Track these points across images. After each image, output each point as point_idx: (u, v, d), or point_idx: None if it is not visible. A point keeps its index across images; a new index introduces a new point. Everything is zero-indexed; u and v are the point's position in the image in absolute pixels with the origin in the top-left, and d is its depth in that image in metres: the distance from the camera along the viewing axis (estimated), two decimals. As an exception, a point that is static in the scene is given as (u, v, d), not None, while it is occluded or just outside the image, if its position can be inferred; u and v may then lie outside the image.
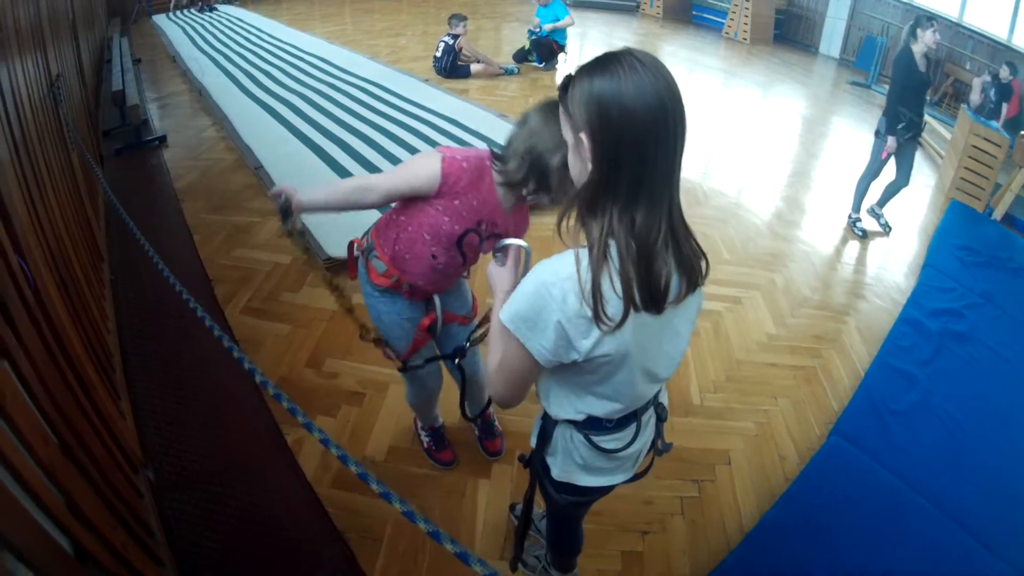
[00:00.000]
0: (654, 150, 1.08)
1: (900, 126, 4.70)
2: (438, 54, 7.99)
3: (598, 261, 1.10)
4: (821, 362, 3.61)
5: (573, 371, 1.26)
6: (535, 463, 1.53)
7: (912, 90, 4.67)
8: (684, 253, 1.18)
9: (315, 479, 2.44)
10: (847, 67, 12.20)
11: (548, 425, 1.44)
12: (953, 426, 3.22)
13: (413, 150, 5.32)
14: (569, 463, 1.45)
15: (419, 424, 2.58)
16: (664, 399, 1.53)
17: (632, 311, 1.13)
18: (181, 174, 4.97)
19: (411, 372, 2.16)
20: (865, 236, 5.17)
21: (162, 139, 5.63)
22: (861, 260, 4.93)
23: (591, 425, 1.38)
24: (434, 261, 1.85)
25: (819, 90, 10.55)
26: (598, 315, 1.11)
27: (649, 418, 1.48)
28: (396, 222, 1.85)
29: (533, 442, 1.51)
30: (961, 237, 5.25)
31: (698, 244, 1.22)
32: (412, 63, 8.69)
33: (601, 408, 1.35)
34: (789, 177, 6.41)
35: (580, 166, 1.17)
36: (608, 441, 1.41)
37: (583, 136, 1.11)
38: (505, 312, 1.20)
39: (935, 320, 4.08)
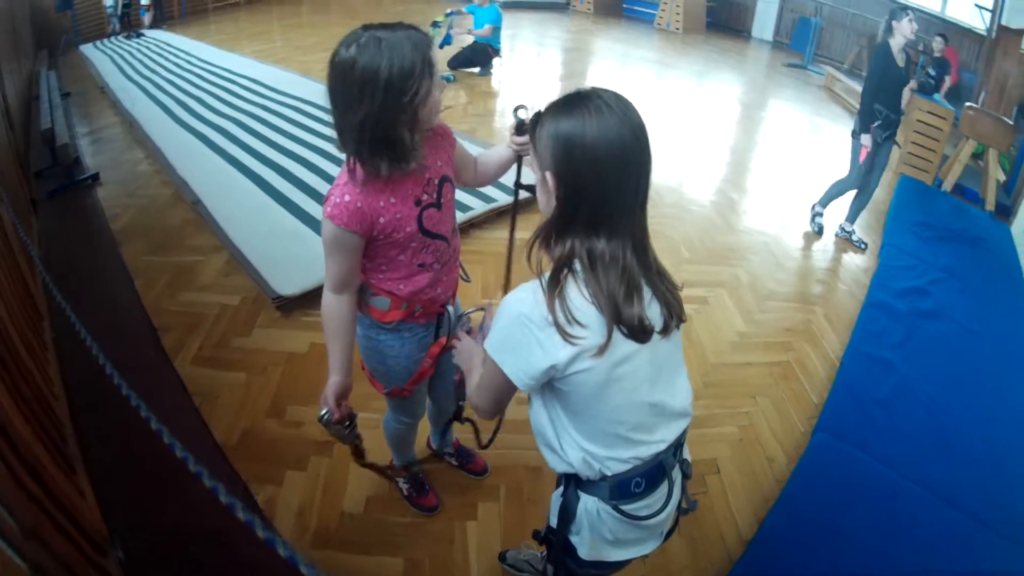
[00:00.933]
0: (615, 190, 1.13)
1: (876, 124, 4.43)
2: None
3: (559, 273, 1.15)
4: (795, 355, 3.57)
5: (563, 398, 1.23)
6: (557, 544, 1.41)
7: (889, 87, 4.40)
8: (658, 287, 1.22)
9: (294, 540, 2.26)
10: (782, 49, 12.37)
11: (570, 501, 1.34)
12: (934, 408, 3.22)
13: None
14: (598, 540, 1.35)
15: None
16: (688, 455, 1.44)
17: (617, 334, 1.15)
18: (117, 213, 4.70)
19: (399, 399, 1.98)
20: (821, 233, 5.03)
21: (95, 177, 5.33)
22: (820, 245, 4.92)
23: (619, 492, 1.29)
24: (425, 268, 1.69)
25: (756, 75, 10.67)
26: (559, 322, 1.12)
27: (676, 475, 1.38)
28: (372, 267, 1.69)
29: (553, 521, 1.41)
30: (915, 212, 5.30)
31: (671, 279, 1.26)
32: (347, 77, 8.47)
33: (611, 448, 1.26)
34: (736, 166, 6.44)
35: (546, 200, 1.20)
36: (640, 508, 1.31)
37: (548, 175, 1.15)
38: (487, 341, 1.23)
39: (902, 300, 4.08)
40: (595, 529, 1.33)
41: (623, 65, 10.33)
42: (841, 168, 4.86)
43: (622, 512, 1.29)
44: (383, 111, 1.40)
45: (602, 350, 1.13)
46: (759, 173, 6.34)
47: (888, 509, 2.62)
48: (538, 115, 1.19)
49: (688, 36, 12.93)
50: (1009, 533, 2.64)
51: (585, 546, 1.36)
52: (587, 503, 1.31)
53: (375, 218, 1.53)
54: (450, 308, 1.86)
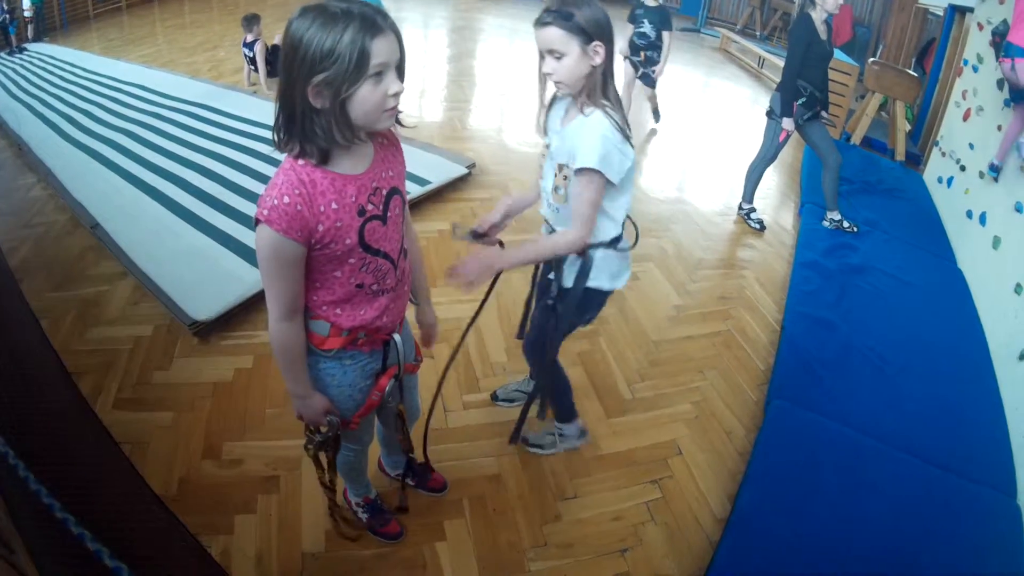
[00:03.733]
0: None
1: (800, 102, 4.21)
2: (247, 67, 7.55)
3: (617, 110, 1.84)
4: (734, 323, 3.60)
5: (614, 193, 1.91)
6: (568, 299, 2.03)
7: (813, 62, 4.13)
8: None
9: (257, 590, 2.09)
10: (672, 14, 12.46)
11: (588, 257, 1.97)
12: (879, 361, 3.29)
13: (256, 174, 4.75)
14: (602, 275, 2.03)
15: (352, 501, 2.25)
16: None
17: None
18: (14, 247, 4.30)
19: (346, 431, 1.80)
20: (763, 228, 4.72)
21: (-13, 210, 4.96)
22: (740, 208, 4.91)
23: (612, 241, 2.00)
24: (363, 290, 1.51)
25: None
26: (628, 138, 1.84)
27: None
28: (307, 284, 1.49)
29: (568, 283, 2.03)
30: (830, 168, 5.36)
31: None
32: (235, 75, 8.06)
33: (621, 215, 1.99)
34: (639, 134, 6.40)
35: (585, 65, 1.77)
36: (624, 243, 2.06)
37: (598, 45, 1.75)
38: (591, 160, 1.77)
39: (831, 258, 4.15)
40: (604, 266, 2.01)
41: (511, 41, 10.29)
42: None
43: (618, 249, 2.03)
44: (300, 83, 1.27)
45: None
46: (663, 138, 6.38)
47: (854, 468, 2.64)
48: (568, 12, 1.71)
49: (577, 7, 12.93)
50: (970, 473, 2.72)
51: (604, 279, 2.05)
52: (596, 254, 1.98)
53: (314, 224, 1.35)
54: (396, 337, 1.69)
